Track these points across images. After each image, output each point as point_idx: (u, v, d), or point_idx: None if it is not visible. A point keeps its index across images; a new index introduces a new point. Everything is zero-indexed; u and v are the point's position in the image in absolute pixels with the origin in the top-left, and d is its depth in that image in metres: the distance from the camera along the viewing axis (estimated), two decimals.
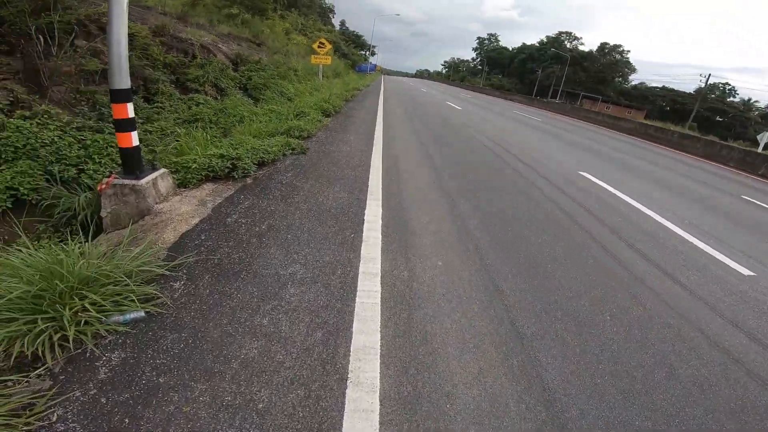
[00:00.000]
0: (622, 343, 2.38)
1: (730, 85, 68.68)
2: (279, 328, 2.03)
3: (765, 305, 3.10)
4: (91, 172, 3.64)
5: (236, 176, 4.09)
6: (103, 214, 3.08)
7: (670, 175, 8.55)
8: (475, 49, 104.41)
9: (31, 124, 3.84)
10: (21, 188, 3.19)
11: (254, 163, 4.43)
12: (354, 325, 2.14)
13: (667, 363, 2.27)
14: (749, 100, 65.57)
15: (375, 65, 60.55)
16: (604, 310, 2.71)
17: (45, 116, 4.12)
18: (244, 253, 2.70)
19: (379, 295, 2.43)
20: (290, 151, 5.38)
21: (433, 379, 1.88)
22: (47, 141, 3.76)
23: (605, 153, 10.50)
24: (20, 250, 2.21)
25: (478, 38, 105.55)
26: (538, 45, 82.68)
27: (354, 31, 57.03)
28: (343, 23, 63.75)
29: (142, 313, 1.98)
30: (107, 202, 3.09)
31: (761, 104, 65.42)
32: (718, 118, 62.24)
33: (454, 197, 4.49)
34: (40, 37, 5.01)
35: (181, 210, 3.25)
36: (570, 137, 12.98)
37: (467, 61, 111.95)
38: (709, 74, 48.85)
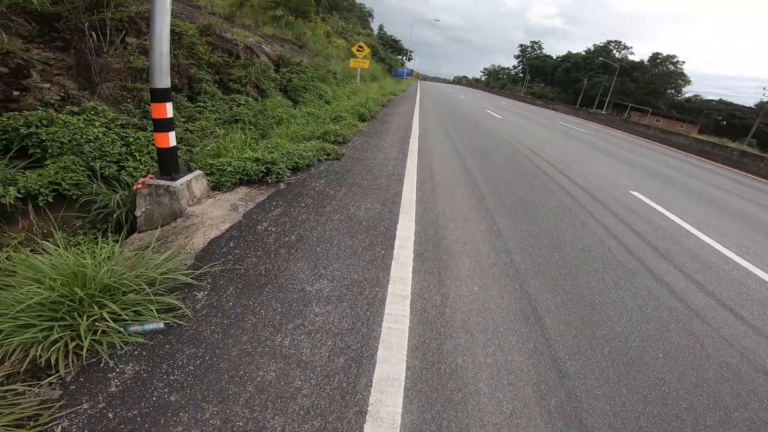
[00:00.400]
0: (674, 383, 2.17)
1: None
2: (300, 350, 1.94)
3: None
4: (131, 169, 3.75)
5: (270, 181, 4.10)
6: (137, 213, 3.14)
7: (730, 198, 7.85)
8: (516, 57, 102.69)
9: (78, 119, 4.02)
10: (63, 183, 3.32)
11: (288, 168, 4.44)
12: (379, 352, 2.01)
13: (722, 406, 2.05)
14: None
15: (411, 70, 60.77)
16: (656, 347, 2.47)
17: (92, 112, 4.31)
18: (271, 265, 2.65)
19: (408, 321, 2.29)
20: (325, 157, 5.37)
21: (460, 418, 1.73)
22: (92, 137, 3.92)
23: (657, 170, 9.83)
24: (48, 252, 2.23)
25: (521, 45, 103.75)
26: (584, 54, 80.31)
27: (392, 36, 57.66)
28: (381, 27, 64.70)
29: (162, 325, 1.95)
30: (142, 201, 3.16)
31: None
32: None
33: (494, 216, 4.28)
34: (93, 33, 5.29)
35: (212, 214, 3.27)
36: (618, 152, 12.31)
37: (507, 68, 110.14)
38: None
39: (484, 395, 1.87)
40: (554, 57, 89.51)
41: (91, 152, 3.72)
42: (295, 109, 8.40)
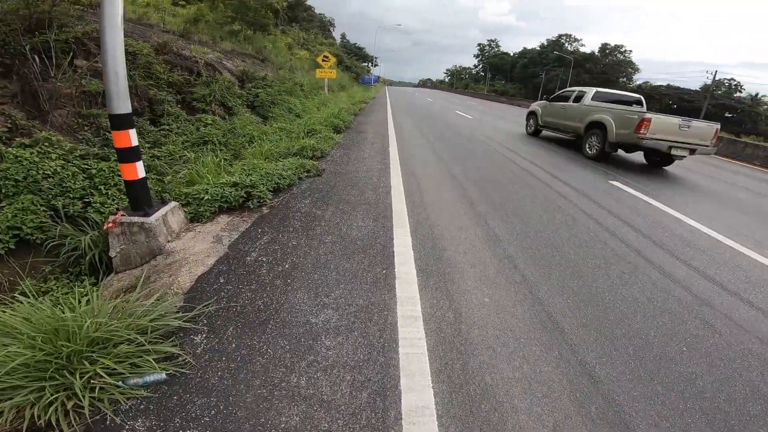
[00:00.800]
0: (706, 376, 2.23)
1: (735, 81, 69.39)
2: (319, 389, 1.85)
3: None
4: (98, 205, 3.54)
5: (252, 206, 3.97)
6: (111, 254, 2.95)
7: (702, 180, 8.28)
8: (476, 56, 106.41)
9: (31, 153, 3.77)
10: (24, 227, 3.08)
11: (269, 191, 4.32)
12: (401, 381, 1.95)
13: (761, 394, 2.12)
14: (756, 95, 65.98)
15: (378, 77, 61.55)
16: (677, 340, 2.54)
17: (46, 144, 4.06)
18: (269, 299, 2.54)
19: (425, 343, 2.24)
20: (305, 174, 5.28)
21: None
22: (50, 172, 3.68)
23: (626, 157, 10.31)
24: (21, 303, 2.09)
25: (479, 45, 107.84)
26: (539, 49, 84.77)
27: (355, 44, 58.38)
28: (343, 36, 65.49)
29: (163, 375, 1.82)
30: (115, 241, 2.97)
31: None
32: (727, 115, 62.68)
33: (487, 221, 4.32)
34: (36, 57, 5.02)
35: (195, 249, 3.12)
36: None
37: (469, 68, 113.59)
38: (716, 71, 49.38)
39: (522, 412, 1.84)
40: (512, 54, 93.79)
41: (51, 189, 3.49)
42: (266, 125, 8.27)
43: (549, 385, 2.02)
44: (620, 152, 9.42)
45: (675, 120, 7.87)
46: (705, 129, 8.06)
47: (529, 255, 3.58)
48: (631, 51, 76.23)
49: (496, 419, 1.79)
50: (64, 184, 3.60)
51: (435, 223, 4.11)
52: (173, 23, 11.68)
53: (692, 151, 8.00)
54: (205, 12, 13.55)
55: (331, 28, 65.15)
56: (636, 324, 2.66)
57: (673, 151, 7.82)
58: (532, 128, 12.66)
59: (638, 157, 9.93)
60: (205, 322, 2.27)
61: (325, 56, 16.31)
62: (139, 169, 3.08)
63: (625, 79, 77.30)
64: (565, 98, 10.91)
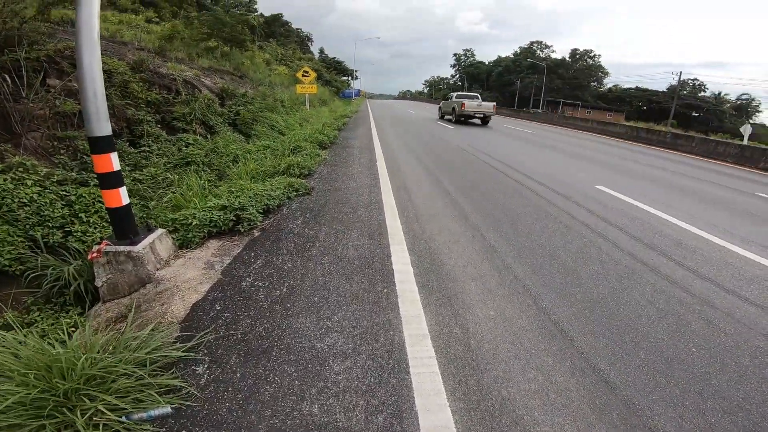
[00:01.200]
0: (720, 375, 2.31)
1: (698, 80, 74.63)
2: (333, 416, 1.84)
3: None
4: (80, 234, 3.47)
5: (242, 230, 3.96)
6: (98, 283, 2.90)
7: (682, 180, 8.81)
8: (453, 66, 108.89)
9: (5, 179, 3.69)
10: (1, 258, 3.00)
11: (259, 212, 4.32)
12: (417, 402, 1.96)
13: None
14: (719, 93, 70.89)
15: (359, 90, 62.35)
16: (685, 341, 2.63)
17: (20, 169, 3.97)
18: (270, 325, 2.53)
19: (436, 362, 2.27)
20: (294, 193, 5.30)
21: None
22: (26, 200, 3.60)
23: (609, 162, 10.84)
24: (4, 337, 2.05)
25: (455, 55, 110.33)
26: (513, 56, 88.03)
27: (334, 58, 59.07)
28: (322, 51, 66.32)
29: (168, 409, 1.80)
30: (101, 271, 2.91)
31: (731, 97, 71.82)
32: (693, 114, 67.14)
33: (482, 232, 4.41)
34: (6, 77, 4.94)
35: (187, 276, 3.09)
36: (569, 149, 13.44)
37: (447, 78, 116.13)
38: (680, 71, 52.94)
39: (544, 424, 1.87)
40: (487, 63, 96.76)
41: (28, 218, 3.41)
42: (249, 143, 8.28)
43: (567, 394, 2.07)
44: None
45: (475, 102, 20.06)
46: (489, 105, 20.29)
47: (528, 265, 3.65)
48: (599, 55, 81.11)
49: None
50: (42, 213, 3.52)
51: (431, 238, 4.17)
52: (148, 40, 11.67)
53: (487, 116, 20.08)
54: (180, 29, 13.58)
55: (309, 43, 66.11)
56: (643, 328, 2.75)
57: (477, 116, 19.86)
58: (439, 116, 24.45)
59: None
60: (205, 351, 2.25)
61: (305, 71, 16.51)
62: (123, 196, 3.04)
63: (596, 83, 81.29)
64: (446, 98, 23.87)
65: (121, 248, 2.95)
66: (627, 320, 2.84)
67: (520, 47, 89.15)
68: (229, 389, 1.97)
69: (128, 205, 3.12)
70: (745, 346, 2.61)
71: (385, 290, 3.05)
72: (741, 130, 19.50)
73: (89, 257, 2.92)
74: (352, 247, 3.79)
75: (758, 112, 70.93)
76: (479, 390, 2.07)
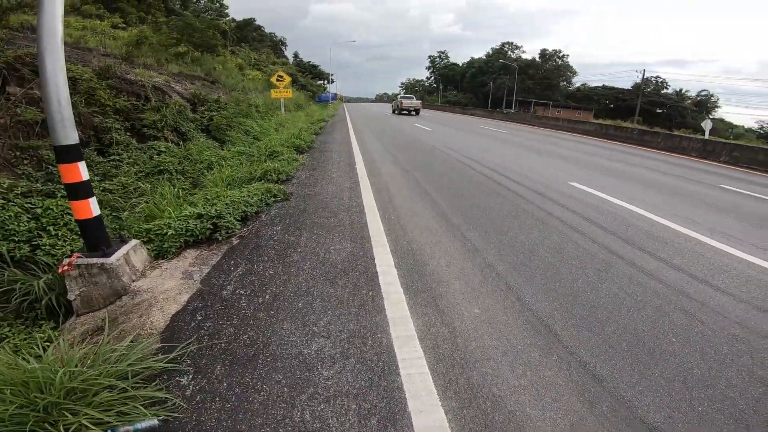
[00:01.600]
0: (701, 364, 2.40)
1: (661, 78, 78.60)
2: (325, 422, 1.83)
3: None
4: (48, 247, 3.32)
5: (220, 238, 3.88)
6: (70, 297, 2.79)
7: (651, 174, 9.32)
8: (428, 68, 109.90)
9: None
10: None
11: (237, 220, 4.24)
12: (409, 404, 1.97)
13: (759, 377, 2.30)
14: (681, 90, 75.15)
15: (335, 94, 62.19)
16: (665, 331, 2.72)
17: None
18: (255, 333, 2.49)
19: (425, 362, 2.28)
20: (272, 199, 5.23)
21: None
22: None
23: (581, 159, 11.30)
24: None
25: (429, 57, 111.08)
26: (485, 58, 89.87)
27: (309, 62, 58.68)
28: (296, 55, 65.69)
29: (155, 421, 1.74)
30: (73, 284, 2.80)
31: (691, 93, 76.30)
32: (657, 110, 70.62)
33: (463, 232, 4.47)
34: None
35: (164, 286, 3.00)
36: (541, 147, 13.91)
37: (422, 80, 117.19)
38: (644, 70, 55.97)
39: (536, 419, 1.91)
40: (460, 64, 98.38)
41: None
42: (224, 149, 8.14)
43: (556, 389, 2.12)
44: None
45: (408, 99, 33.35)
46: (416, 101, 33.44)
47: (508, 262, 3.72)
48: (568, 55, 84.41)
49: (512, 429, 1.84)
50: (6, 227, 3.36)
51: (413, 239, 4.20)
52: (114, 46, 11.34)
53: (416, 109, 32.58)
54: (148, 34, 13.24)
55: (283, 47, 65.48)
56: (623, 320, 2.84)
57: (410, 109, 32.36)
58: (393, 111, 34.38)
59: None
60: (188, 362, 2.19)
61: (279, 76, 16.37)
62: (93, 206, 2.94)
63: (565, 83, 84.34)
64: (394, 99, 40.90)
65: (94, 260, 2.85)
66: (607, 312, 2.93)
67: (492, 48, 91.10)
68: (217, 399, 1.93)
69: (99, 217, 3.01)
70: (722, 334, 2.73)
71: (371, 293, 3.05)
72: (702, 125, 20.68)
73: (60, 270, 2.81)
74: (335, 252, 3.78)
75: (717, 107, 75.23)
76: (470, 388, 2.10)
